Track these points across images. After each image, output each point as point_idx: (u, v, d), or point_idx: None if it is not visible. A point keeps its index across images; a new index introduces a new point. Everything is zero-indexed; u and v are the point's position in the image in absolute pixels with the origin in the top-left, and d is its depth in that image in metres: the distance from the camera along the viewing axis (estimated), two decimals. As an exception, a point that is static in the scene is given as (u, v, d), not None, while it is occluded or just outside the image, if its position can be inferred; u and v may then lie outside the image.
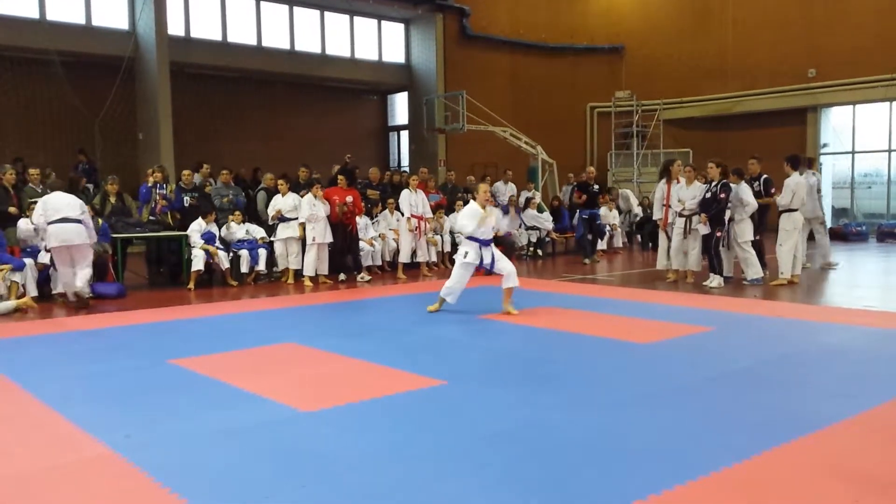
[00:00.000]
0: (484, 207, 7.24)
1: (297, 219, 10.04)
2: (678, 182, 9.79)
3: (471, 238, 7.18)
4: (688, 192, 9.56)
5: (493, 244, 7.31)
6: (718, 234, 9.22)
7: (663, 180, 10.02)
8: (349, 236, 10.39)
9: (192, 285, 9.60)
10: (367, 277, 10.47)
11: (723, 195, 9.04)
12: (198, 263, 9.58)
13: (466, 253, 7.15)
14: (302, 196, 10.14)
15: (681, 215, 9.62)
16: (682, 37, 20.68)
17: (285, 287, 9.81)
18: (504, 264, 7.17)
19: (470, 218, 7.17)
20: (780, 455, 3.23)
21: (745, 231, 9.24)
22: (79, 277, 8.03)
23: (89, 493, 2.99)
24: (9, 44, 14.42)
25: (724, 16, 19.96)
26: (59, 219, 7.88)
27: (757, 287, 8.99)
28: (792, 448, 3.32)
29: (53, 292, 8.55)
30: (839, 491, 2.86)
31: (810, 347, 5.63)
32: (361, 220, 11.05)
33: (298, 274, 10.17)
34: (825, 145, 18.91)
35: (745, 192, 9.23)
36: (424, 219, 10.94)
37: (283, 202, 10.21)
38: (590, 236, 12.86)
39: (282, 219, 10.14)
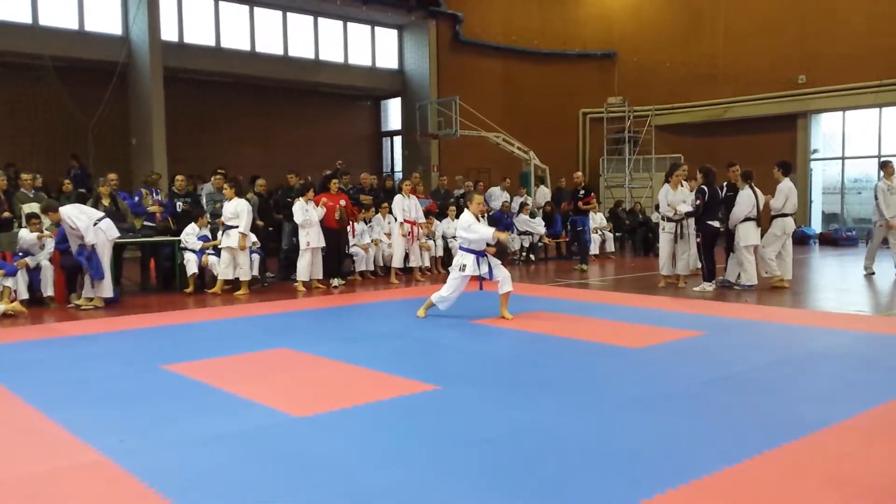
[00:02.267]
0: (478, 217, 7.28)
1: (237, 227, 9.33)
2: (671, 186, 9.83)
3: (467, 250, 7.19)
4: (677, 197, 9.60)
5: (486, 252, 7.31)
6: (698, 239, 9.30)
7: (667, 184, 9.92)
8: (343, 242, 10.41)
9: (191, 289, 9.59)
10: (342, 282, 10.39)
11: (698, 202, 9.15)
12: (192, 267, 9.58)
13: (464, 266, 7.14)
14: (292, 202, 10.12)
15: (671, 220, 9.67)
16: (673, 43, 20.80)
17: (272, 293, 9.75)
18: (500, 271, 7.20)
19: (469, 230, 7.11)
20: (772, 459, 3.25)
21: (748, 235, 9.21)
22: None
23: (82, 499, 2.98)
24: (1, 48, 14.38)
25: (716, 22, 20.09)
26: (101, 217, 8.36)
27: (748, 292, 9.04)
28: (784, 452, 3.34)
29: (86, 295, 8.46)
30: (831, 495, 2.88)
31: (802, 352, 5.66)
32: (358, 227, 11.07)
33: (293, 281, 10.13)
34: (815, 151, 19.03)
35: (738, 199, 9.24)
36: (417, 224, 10.96)
37: (225, 208, 9.52)
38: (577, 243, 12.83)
39: (225, 226, 9.53)
